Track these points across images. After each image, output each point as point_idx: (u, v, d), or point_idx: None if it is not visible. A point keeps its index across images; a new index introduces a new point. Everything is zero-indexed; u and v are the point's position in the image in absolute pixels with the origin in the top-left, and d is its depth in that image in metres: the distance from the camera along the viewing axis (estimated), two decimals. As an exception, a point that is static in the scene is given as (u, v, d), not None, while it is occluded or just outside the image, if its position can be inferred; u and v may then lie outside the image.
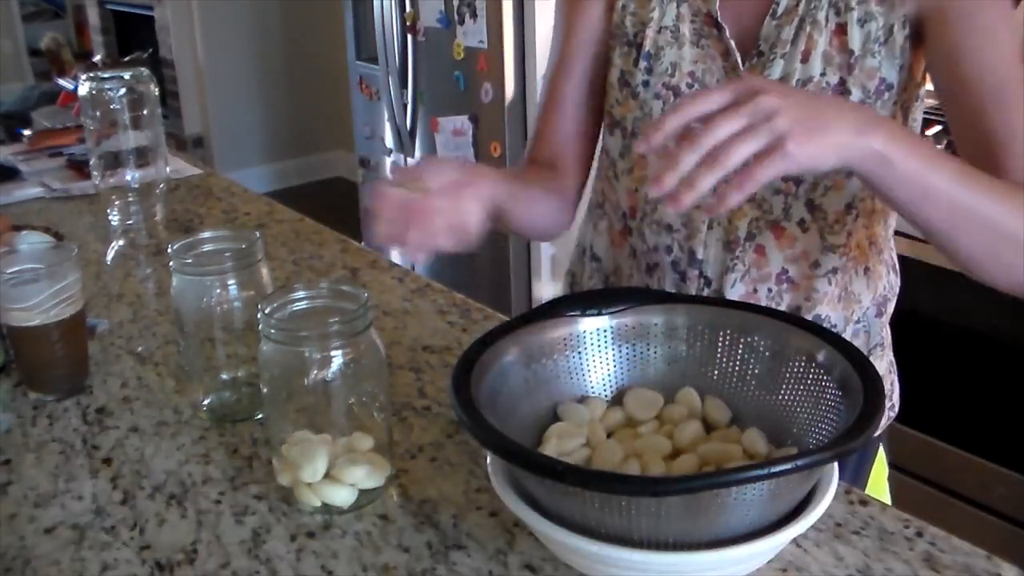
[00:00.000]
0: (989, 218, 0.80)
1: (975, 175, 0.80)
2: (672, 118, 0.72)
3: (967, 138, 0.89)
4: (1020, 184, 0.83)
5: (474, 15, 2.81)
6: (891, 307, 1.06)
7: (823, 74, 0.91)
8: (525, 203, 1.00)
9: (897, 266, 1.07)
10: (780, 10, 0.92)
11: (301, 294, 0.84)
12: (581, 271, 1.16)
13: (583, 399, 0.84)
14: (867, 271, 1.01)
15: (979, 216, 0.80)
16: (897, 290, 1.06)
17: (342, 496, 0.81)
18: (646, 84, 0.99)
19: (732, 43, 0.94)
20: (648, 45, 0.98)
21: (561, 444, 0.78)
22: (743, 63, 0.94)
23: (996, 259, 0.82)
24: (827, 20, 0.91)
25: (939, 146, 0.98)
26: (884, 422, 1.09)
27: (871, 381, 0.71)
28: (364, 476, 0.81)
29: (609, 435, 0.81)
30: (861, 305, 1.01)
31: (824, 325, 0.99)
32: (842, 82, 0.91)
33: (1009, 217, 0.80)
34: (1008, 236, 0.81)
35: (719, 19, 0.94)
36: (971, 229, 0.81)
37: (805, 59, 0.91)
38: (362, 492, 0.82)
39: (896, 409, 1.11)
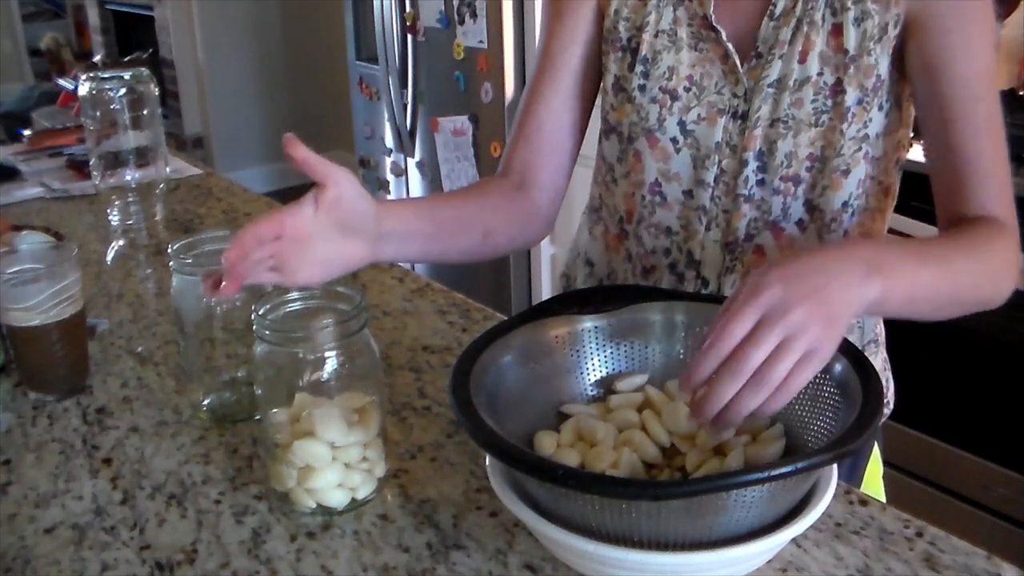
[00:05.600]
0: (964, 296, 0.85)
1: (949, 260, 0.84)
2: (708, 358, 0.68)
3: (935, 150, 0.92)
4: (981, 231, 0.88)
5: (474, 15, 2.81)
6: None
7: (820, 74, 0.91)
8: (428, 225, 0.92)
9: None
10: (778, 11, 0.92)
11: (295, 295, 0.84)
12: (575, 274, 1.16)
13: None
14: None
15: (956, 299, 0.85)
16: None
17: (337, 498, 0.81)
18: (642, 88, 0.98)
19: (730, 46, 0.94)
20: (645, 49, 0.98)
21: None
22: (741, 65, 0.94)
23: (960, 313, 0.87)
24: (824, 20, 0.91)
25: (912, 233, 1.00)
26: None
27: (870, 382, 0.71)
28: (359, 480, 0.82)
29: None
30: None
31: None
32: (839, 82, 0.91)
33: (977, 286, 0.86)
34: (976, 300, 0.87)
35: (714, 22, 0.94)
36: (948, 309, 0.85)
37: (803, 59, 0.91)
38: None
39: (891, 406, 1.11)
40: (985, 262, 0.86)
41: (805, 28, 0.91)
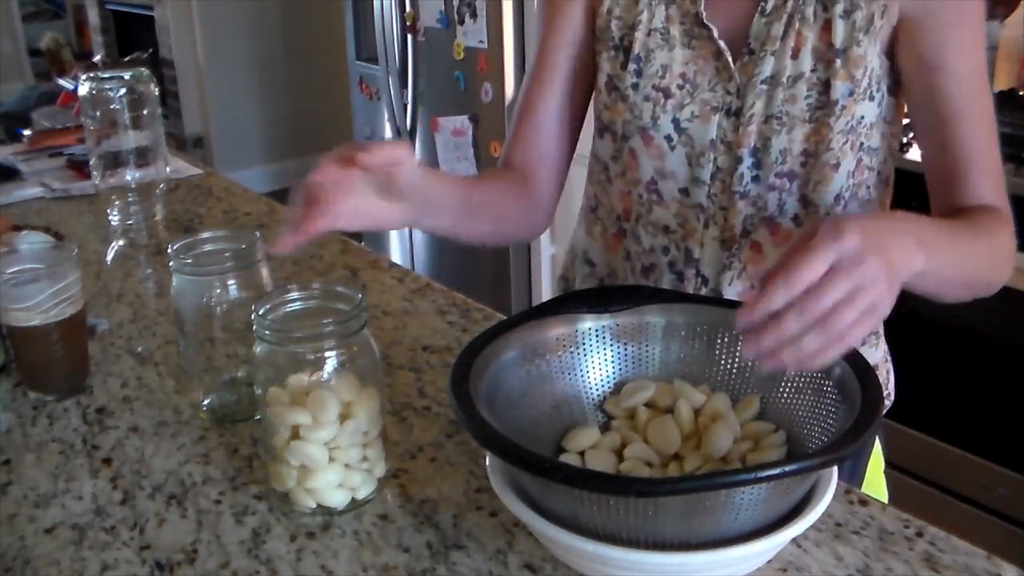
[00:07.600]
0: (976, 278, 0.89)
1: (971, 241, 0.86)
2: (779, 293, 0.66)
3: (933, 145, 0.94)
4: (988, 217, 0.90)
5: (474, 15, 2.81)
6: None
7: (813, 70, 0.92)
8: (460, 200, 0.97)
9: None
10: (769, 7, 0.93)
11: (295, 295, 0.84)
12: (574, 275, 1.16)
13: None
14: None
15: (972, 280, 0.89)
16: None
17: (337, 498, 0.81)
18: (635, 87, 0.99)
19: (722, 43, 0.94)
20: (637, 48, 0.98)
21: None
22: (734, 62, 0.94)
23: (969, 295, 0.91)
24: (815, 16, 0.91)
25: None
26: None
27: (869, 384, 0.71)
28: (359, 480, 0.82)
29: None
30: None
31: None
32: (829, 77, 0.91)
33: (988, 269, 0.90)
34: (984, 283, 0.91)
35: (705, 20, 0.95)
36: (961, 289, 0.89)
37: (795, 55, 0.92)
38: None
39: (892, 399, 1.11)
40: (994, 247, 0.89)
41: (797, 24, 0.92)
